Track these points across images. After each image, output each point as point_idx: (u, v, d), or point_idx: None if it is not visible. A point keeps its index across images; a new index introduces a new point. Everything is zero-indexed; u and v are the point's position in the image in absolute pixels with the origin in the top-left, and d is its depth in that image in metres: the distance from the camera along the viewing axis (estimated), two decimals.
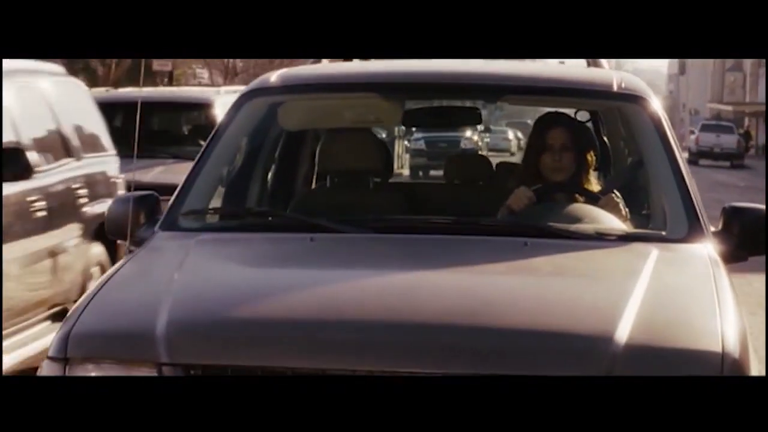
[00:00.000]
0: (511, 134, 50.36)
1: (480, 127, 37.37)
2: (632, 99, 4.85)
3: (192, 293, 3.68)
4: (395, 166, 27.30)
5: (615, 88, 4.86)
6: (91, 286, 3.91)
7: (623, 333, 3.33)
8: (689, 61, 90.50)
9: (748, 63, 77.64)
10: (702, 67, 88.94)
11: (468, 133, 31.07)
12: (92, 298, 3.67)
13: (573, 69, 5.42)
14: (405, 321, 3.42)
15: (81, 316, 3.57)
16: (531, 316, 3.48)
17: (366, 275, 3.88)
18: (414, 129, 28.18)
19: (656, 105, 4.82)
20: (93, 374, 3.45)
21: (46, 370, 3.52)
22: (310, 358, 3.32)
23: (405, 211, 5.11)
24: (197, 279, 3.84)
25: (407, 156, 31.59)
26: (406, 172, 28.89)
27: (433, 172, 26.30)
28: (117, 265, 4.04)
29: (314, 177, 6.02)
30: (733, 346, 3.37)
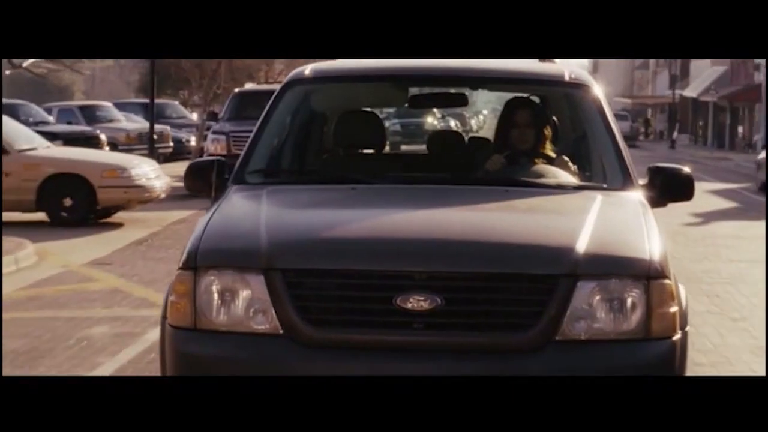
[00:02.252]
0: (453, 123, 52.45)
1: (438, 115, 39.02)
2: (579, 86, 5.66)
3: (280, 221, 4.52)
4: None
5: (567, 78, 5.66)
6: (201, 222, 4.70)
7: (582, 245, 4.23)
8: (603, 60, 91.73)
9: (652, 62, 79.25)
10: (615, 66, 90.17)
11: (430, 119, 32.95)
12: (206, 228, 4.48)
13: (534, 64, 6.18)
14: (434, 237, 4.31)
15: (202, 239, 4.37)
16: (518, 233, 4.38)
17: (401, 210, 4.74)
18: (391, 116, 30.03)
19: (598, 91, 5.63)
20: (211, 276, 4.23)
21: (180, 277, 4.31)
22: (371, 263, 4.17)
23: (400, 172, 5.83)
24: (280, 212, 4.69)
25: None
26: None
27: (404, 147, 29.80)
28: (213, 208, 4.82)
29: (321, 148, 6.78)
30: (656, 256, 4.28)
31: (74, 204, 15.06)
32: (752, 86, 47.82)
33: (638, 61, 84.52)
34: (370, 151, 6.17)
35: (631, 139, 56.96)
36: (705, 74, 59.01)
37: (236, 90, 23.40)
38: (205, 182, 5.31)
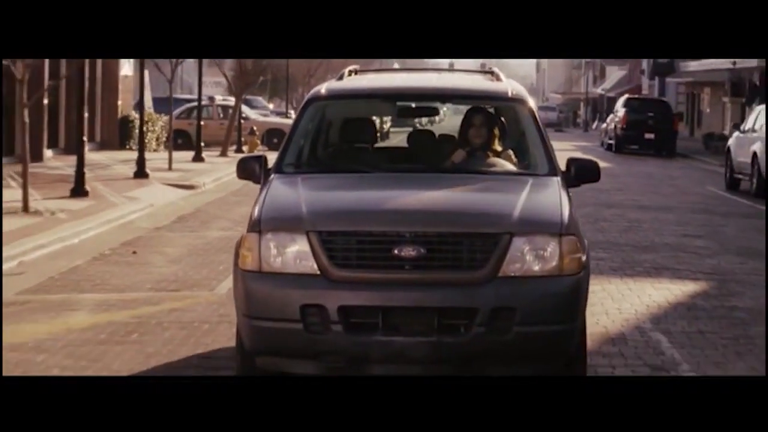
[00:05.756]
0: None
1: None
2: (518, 101, 6.62)
3: (314, 199, 5.55)
4: (386, 130, 39.12)
5: (509, 95, 6.62)
6: (259, 200, 5.60)
7: (516, 213, 5.30)
8: (545, 61, 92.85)
9: (584, 63, 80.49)
10: (556, 66, 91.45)
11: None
12: (263, 204, 5.48)
13: (486, 83, 7.12)
14: (418, 209, 5.39)
15: (263, 211, 5.39)
16: (474, 205, 5.48)
17: (395, 190, 5.81)
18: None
19: (532, 103, 6.60)
20: (270, 236, 5.22)
21: (248, 237, 5.30)
22: (377, 226, 5.22)
23: (390, 163, 6.78)
24: (313, 193, 5.68)
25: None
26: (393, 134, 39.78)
27: (395, 129, 38.41)
28: (265, 190, 5.76)
29: (327, 145, 7.45)
30: (566, 220, 5.34)
31: None
32: (638, 86, 56.27)
33: (575, 62, 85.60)
34: (365, 145, 7.01)
35: (557, 125, 63.92)
36: (613, 76, 65.86)
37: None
38: (250, 172, 6.22)
